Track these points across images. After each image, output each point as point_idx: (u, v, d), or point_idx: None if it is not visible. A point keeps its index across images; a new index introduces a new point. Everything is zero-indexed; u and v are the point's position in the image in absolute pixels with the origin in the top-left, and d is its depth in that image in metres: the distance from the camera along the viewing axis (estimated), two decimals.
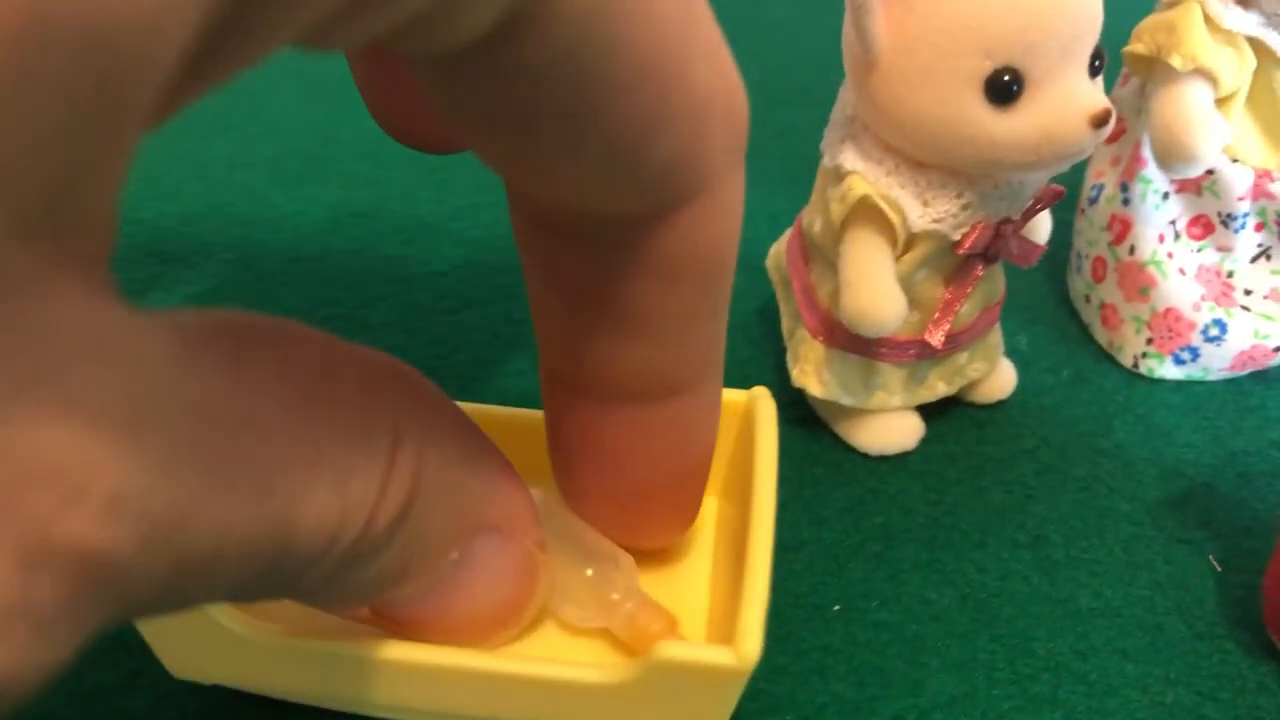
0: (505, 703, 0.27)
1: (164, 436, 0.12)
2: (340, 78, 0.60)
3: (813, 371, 0.37)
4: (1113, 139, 0.43)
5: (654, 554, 0.32)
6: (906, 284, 0.34)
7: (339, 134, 0.56)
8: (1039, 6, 0.30)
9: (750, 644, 0.25)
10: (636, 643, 0.28)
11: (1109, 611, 0.33)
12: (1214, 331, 0.41)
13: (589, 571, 0.28)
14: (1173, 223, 0.41)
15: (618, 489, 0.26)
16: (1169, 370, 0.42)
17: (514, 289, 0.45)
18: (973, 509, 0.36)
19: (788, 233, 0.40)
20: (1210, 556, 0.35)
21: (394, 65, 0.24)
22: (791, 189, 0.51)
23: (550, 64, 0.16)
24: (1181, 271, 0.41)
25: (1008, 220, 0.34)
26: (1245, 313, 0.41)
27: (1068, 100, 0.31)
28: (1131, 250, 0.42)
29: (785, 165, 0.54)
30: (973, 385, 0.40)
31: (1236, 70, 0.38)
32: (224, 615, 0.26)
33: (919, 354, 0.36)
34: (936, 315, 0.35)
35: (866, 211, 0.33)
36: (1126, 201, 0.42)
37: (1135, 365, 0.42)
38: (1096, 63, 0.32)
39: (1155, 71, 0.39)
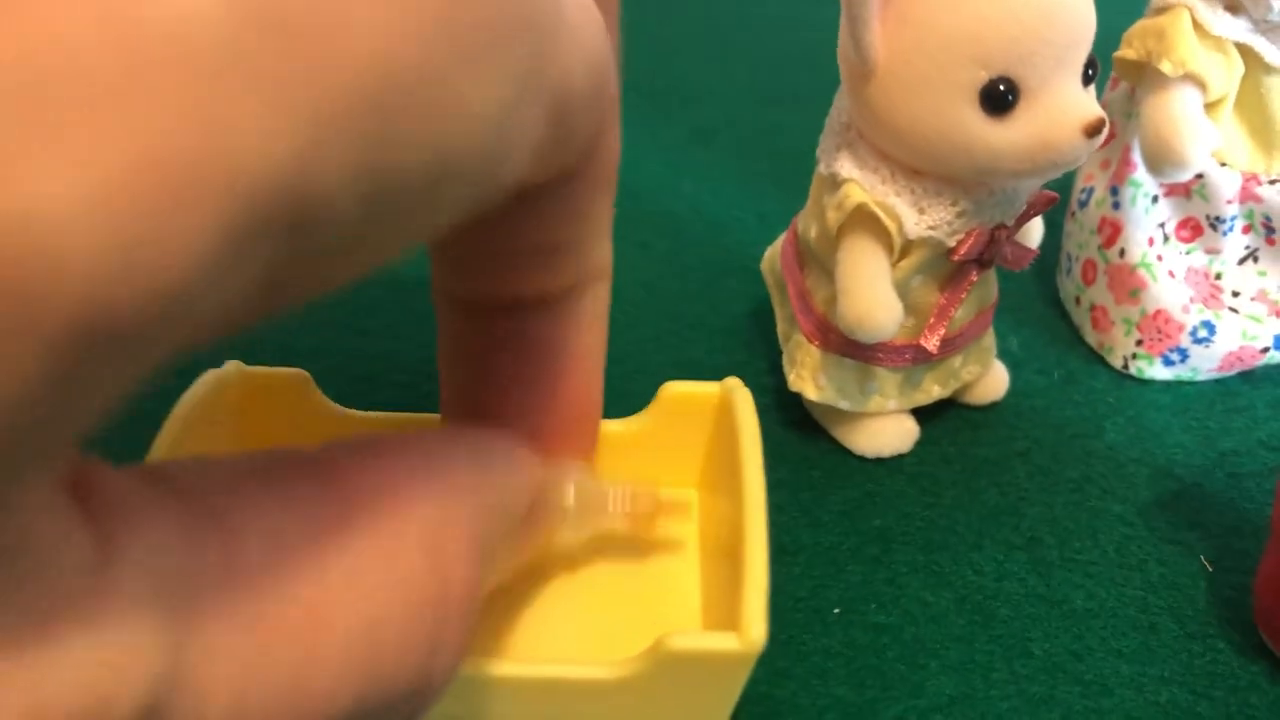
0: (520, 705, 0.27)
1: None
2: None
3: (809, 376, 0.37)
4: (1103, 143, 0.43)
5: (639, 551, 0.33)
6: (902, 290, 0.35)
7: None
8: (1033, 17, 0.30)
9: (755, 629, 0.25)
10: (642, 525, 0.30)
11: (1103, 612, 0.33)
12: (1202, 333, 0.41)
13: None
14: (1162, 225, 0.42)
15: (522, 402, 0.25)
16: (1158, 371, 0.42)
17: None
18: (968, 511, 0.37)
19: (782, 237, 0.40)
20: (1201, 557, 0.35)
21: None
22: (782, 189, 0.51)
23: None
24: (1171, 274, 0.42)
25: (1002, 226, 0.35)
26: (1233, 314, 0.42)
27: (1062, 109, 0.31)
28: (1121, 253, 0.42)
29: (775, 165, 0.54)
30: (967, 387, 0.40)
31: (1225, 76, 0.39)
32: None
33: (914, 358, 0.37)
34: (932, 320, 0.36)
35: (863, 219, 0.34)
36: (1116, 205, 0.42)
37: (1125, 366, 0.43)
38: (1090, 71, 0.33)
39: (1145, 77, 0.40)
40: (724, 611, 0.28)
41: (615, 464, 0.34)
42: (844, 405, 0.37)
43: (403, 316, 0.44)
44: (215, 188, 0.09)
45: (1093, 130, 0.31)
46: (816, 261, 0.37)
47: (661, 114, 0.59)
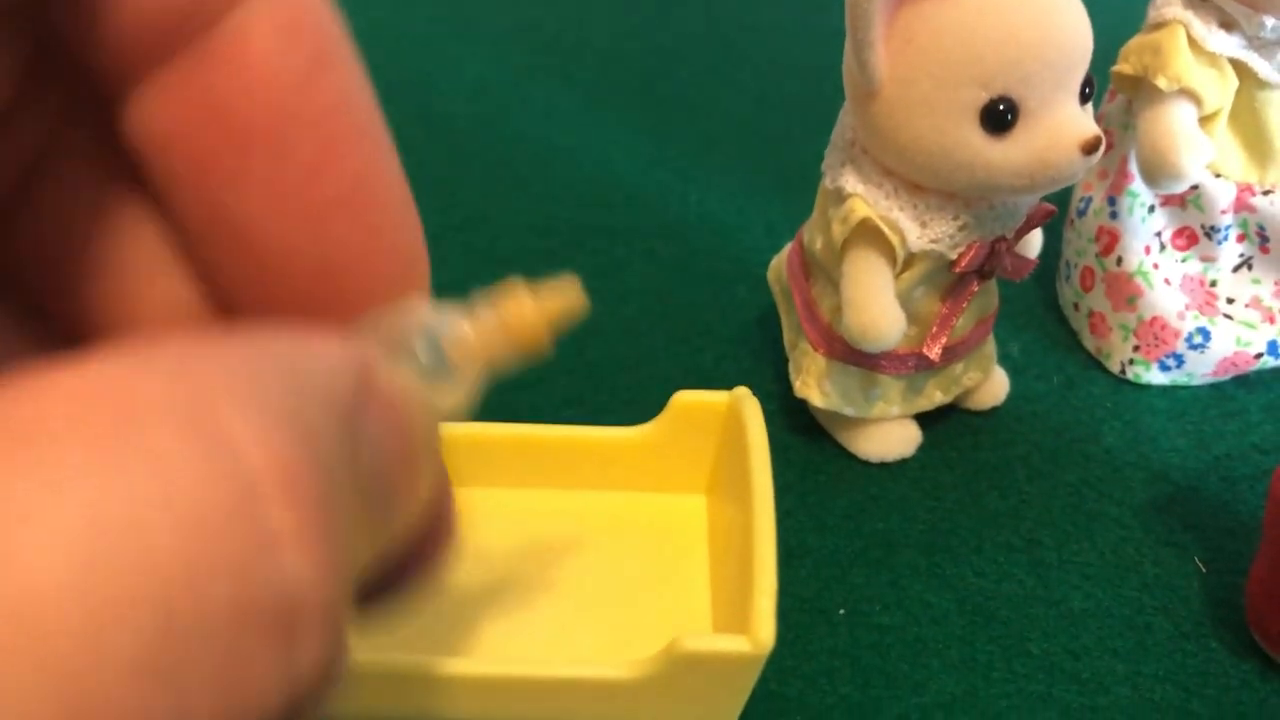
0: (535, 705, 0.29)
1: None
2: None
3: (815, 383, 0.38)
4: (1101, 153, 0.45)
5: (652, 553, 0.34)
6: (905, 300, 0.36)
7: None
8: (1032, 39, 0.32)
9: (764, 630, 0.27)
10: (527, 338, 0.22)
11: (1100, 612, 0.35)
12: (1198, 339, 0.42)
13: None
14: (1158, 234, 0.43)
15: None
16: (1155, 376, 0.43)
17: None
18: (969, 514, 0.38)
19: (788, 246, 0.41)
20: (1195, 558, 0.36)
21: None
22: (786, 197, 0.52)
23: None
24: (1167, 281, 0.43)
25: (1002, 238, 0.36)
26: (1228, 321, 0.43)
27: (1060, 128, 0.32)
28: (1119, 261, 0.43)
29: (779, 174, 0.55)
30: (968, 393, 0.41)
31: (1219, 90, 0.40)
32: None
33: (917, 366, 0.38)
34: (934, 329, 0.37)
35: (867, 233, 0.35)
36: (1114, 214, 0.43)
37: (1123, 371, 0.44)
38: (1087, 90, 0.34)
39: (1141, 91, 0.41)
40: (734, 613, 0.29)
41: (627, 471, 0.35)
42: (849, 411, 0.39)
43: None
44: None
45: (1090, 148, 0.33)
46: (822, 272, 0.38)
47: (668, 123, 0.60)
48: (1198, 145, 0.39)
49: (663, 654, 0.27)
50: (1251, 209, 0.42)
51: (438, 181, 0.54)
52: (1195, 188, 0.42)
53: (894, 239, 0.35)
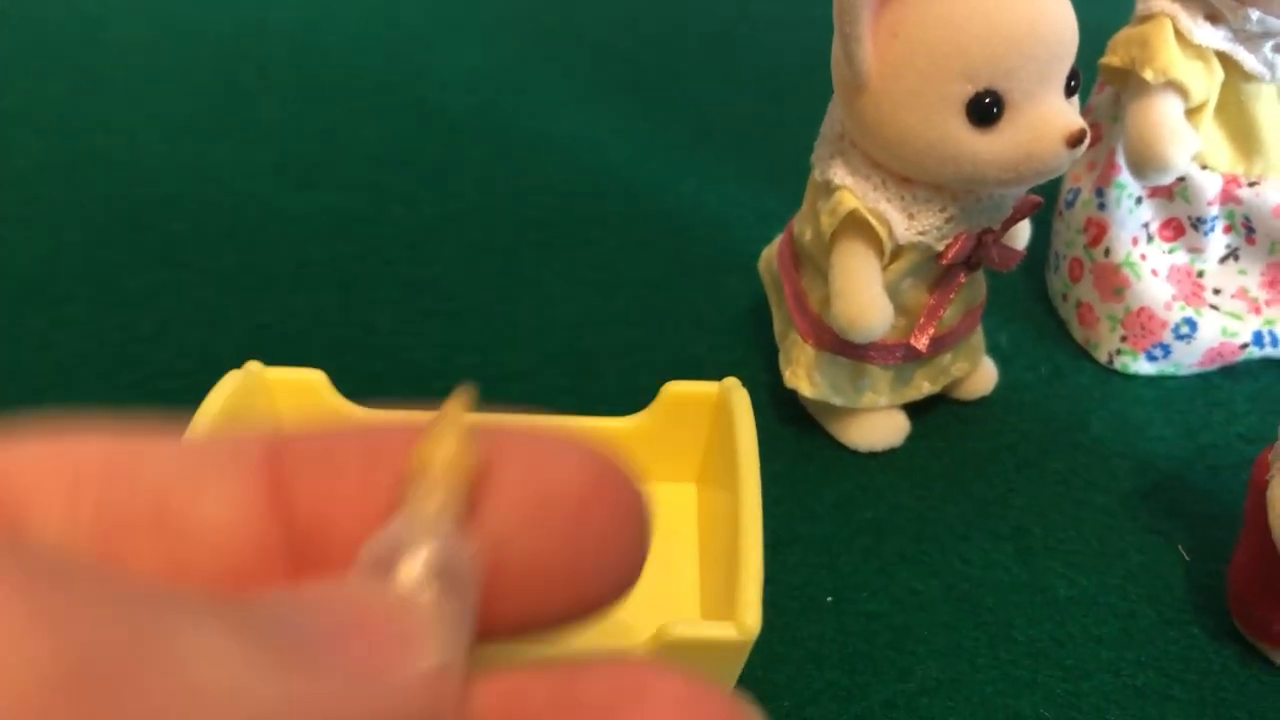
0: None
1: None
2: (337, 81, 0.61)
3: (804, 374, 0.39)
4: (1089, 145, 0.45)
5: None
6: (893, 292, 0.36)
7: (337, 137, 0.57)
8: (1018, 33, 0.32)
9: (751, 617, 0.27)
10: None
11: (1084, 600, 0.35)
12: (1185, 329, 0.43)
13: None
14: (1146, 226, 0.43)
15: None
16: (1142, 366, 0.44)
17: (514, 292, 0.47)
18: (957, 503, 0.38)
19: (779, 238, 0.42)
20: (1179, 546, 0.37)
21: None
22: (781, 187, 0.52)
23: None
24: (1154, 272, 0.43)
25: (988, 230, 0.36)
26: (1214, 311, 0.43)
27: (1045, 121, 0.33)
28: (1107, 252, 0.44)
29: (775, 163, 0.55)
30: (956, 383, 0.42)
31: (1206, 83, 0.40)
32: None
33: (905, 356, 0.38)
34: (921, 320, 0.37)
35: (855, 224, 0.35)
36: (1102, 206, 0.44)
37: (1110, 362, 0.44)
38: (1073, 83, 0.34)
39: (1129, 84, 0.41)
40: (722, 601, 0.30)
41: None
42: (838, 401, 0.39)
43: (413, 315, 0.46)
44: None
45: (1075, 141, 0.33)
46: (811, 263, 0.38)
47: (663, 112, 0.60)
48: (1184, 137, 0.40)
49: (651, 641, 0.28)
50: (1238, 200, 0.42)
51: (433, 172, 0.55)
52: (1182, 179, 0.42)
53: (881, 231, 0.35)
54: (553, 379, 0.43)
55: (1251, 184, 0.42)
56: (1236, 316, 0.43)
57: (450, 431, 0.15)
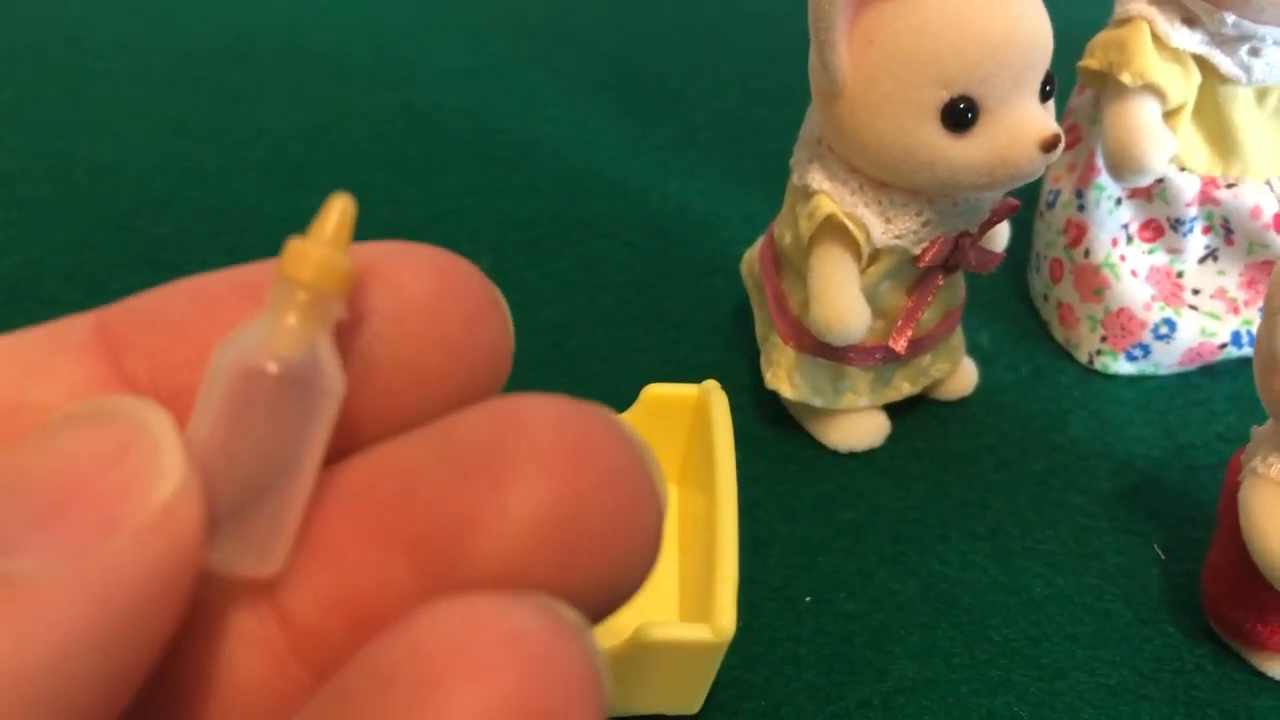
0: None
1: None
2: (325, 82, 0.61)
3: (785, 375, 0.39)
4: (1069, 146, 0.45)
5: None
6: (871, 295, 0.37)
7: (325, 139, 0.57)
8: (992, 40, 0.32)
9: (725, 619, 0.28)
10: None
11: (1061, 599, 0.35)
12: (1164, 330, 0.43)
13: None
14: (1125, 227, 0.44)
15: None
16: (1122, 366, 0.44)
17: (501, 292, 0.47)
18: (936, 503, 0.39)
19: (760, 240, 0.42)
20: (1155, 546, 0.37)
21: None
22: (767, 187, 0.53)
23: None
24: (1134, 273, 0.44)
25: (966, 234, 0.37)
26: (1193, 312, 0.44)
27: (1019, 127, 0.33)
28: (1086, 253, 0.44)
29: (761, 163, 0.56)
30: (937, 384, 0.42)
31: (1183, 85, 0.40)
32: None
33: (884, 358, 0.39)
34: (899, 323, 0.38)
35: (833, 229, 0.35)
36: (1082, 207, 0.44)
37: (1090, 362, 0.44)
38: (1048, 88, 0.34)
39: (1107, 86, 0.41)
40: (699, 601, 0.30)
41: None
42: (818, 403, 0.39)
43: None
44: None
45: (1049, 146, 0.33)
46: (791, 266, 0.39)
47: (649, 112, 0.60)
48: (1162, 140, 0.40)
49: (627, 642, 0.28)
50: (1216, 202, 0.43)
51: (420, 172, 0.55)
52: (1161, 181, 0.42)
53: (859, 235, 0.35)
54: (538, 380, 0.43)
55: (1229, 185, 0.42)
56: (1215, 317, 0.44)
57: (327, 234, 0.14)
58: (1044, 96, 0.34)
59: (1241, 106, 0.41)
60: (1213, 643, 0.34)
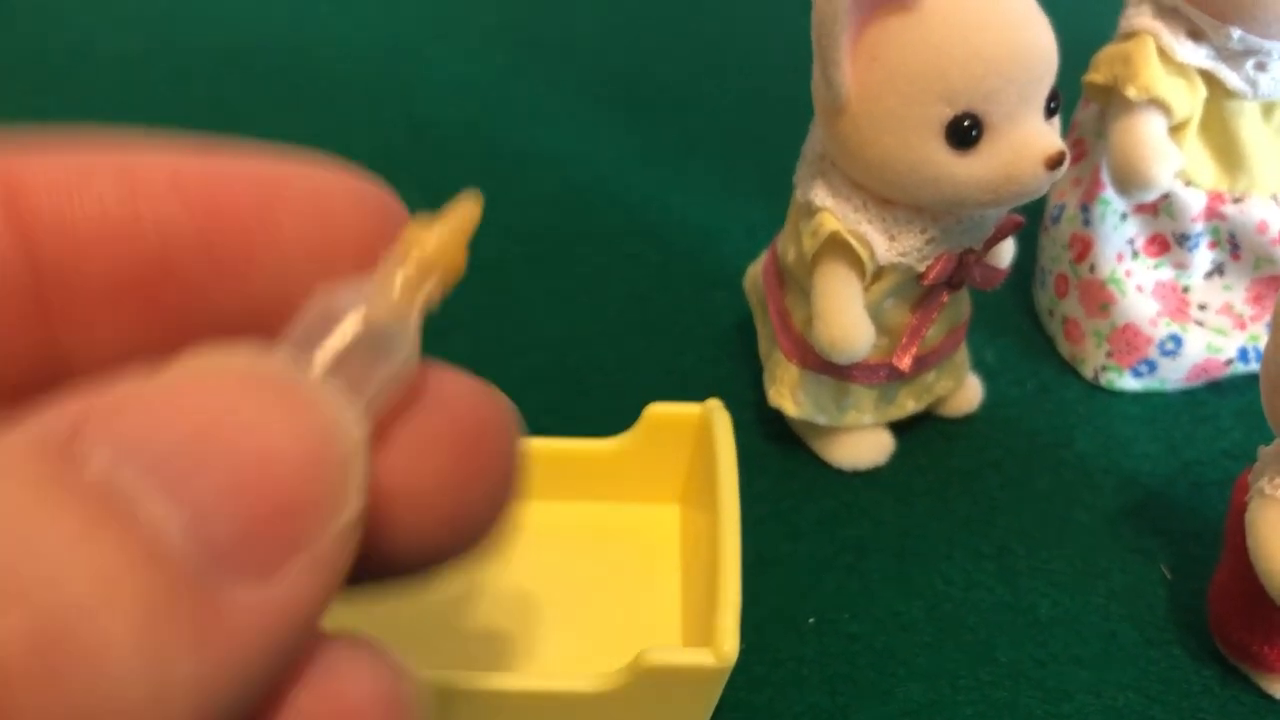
0: (504, 716, 0.29)
1: None
2: (327, 93, 0.61)
3: (788, 393, 0.39)
4: (1074, 161, 0.45)
5: (623, 564, 0.35)
6: (875, 312, 0.36)
7: (326, 150, 0.57)
8: (996, 56, 0.32)
9: (728, 644, 0.27)
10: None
11: (1067, 620, 0.35)
12: (1170, 345, 0.43)
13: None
14: (1131, 242, 0.43)
15: None
16: (1128, 382, 0.44)
17: (502, 309, 0.47)
18: (940, 521, 0.38)
19: (764, 256, 0.42)
20: (1162, 565, 0.37)
21: None
22: (769, 200, 0.52)
23: None
24: (1139, 288, 0.43)
25: (970, 250, 0.36)
26: (1199, 328, 0.43)
27: (1024, 143, 0.33)
28: (1092, 268, 0.44)
29: (763, 176, 0.55)
30: (941, 400, 0.42)
31: (1188, 100, 0.40)
32: None
33: (889, 376, 0.38)
34: (904, 340, 0.37)
35: (836, 246, 0.35)
36: (1087, 222, 0.44)
37: (1096, 378, 0.44)
38: (1053, 104, 0.34)
39: (1112, 101, 0.41)
40: (702, 624, 0.30)
41: (602, 482, 0.36)
42: (821, 420, 0.39)
43: None
44: None
45: (1054, 163, 0.33)
46: (795, 282, 0.39)
47: (652, 124, 0.60)
48: (1168, 154, 0.40)
49: (628, 668, 0.28)
50: (1222, 216, 0.42)
51: (420, 184, 0.54)
52: (1166, 196, 0.42)
53: (863, 252, 0.35)
54: (538, 397, 0.43)
55: (1236, 200, 0.42)
56: (1222, 332, 0.43)
57: (450, 225, 0.15)
58: (1049, 113, 0.34)
59: (1248, 121, 0.41)
60: (1220, 664, 0.34)
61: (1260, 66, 0.40)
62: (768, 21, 0.71)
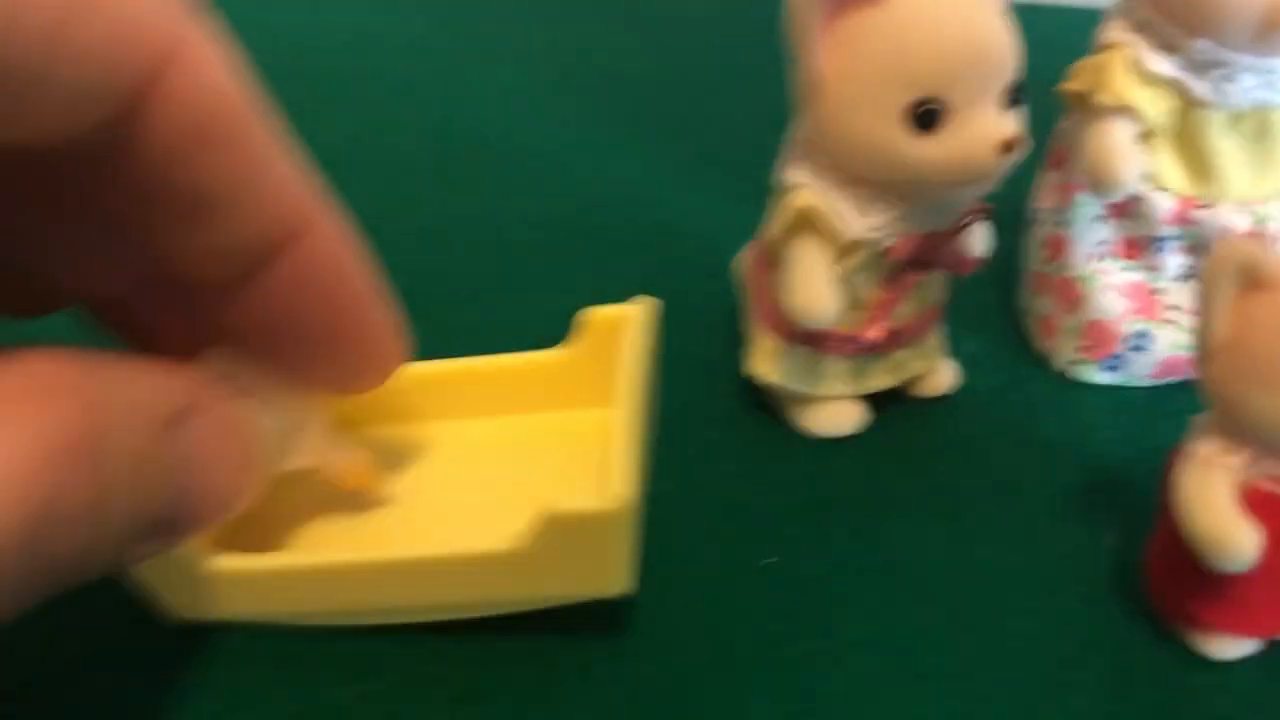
0: (420, 588, 0.32)
1: None
2: (358, 98, 0.66)
3: (765, 361, 0.42)
4: (1055, 166, 0.48)
5: (550, 469, 0.37)
6: (847, 286, 0.39)
7: (356, 148, 0.62)
8: (955, 45, 0.35)
9: (621, 485, 0.29)
10: (341, 482, 0.34)
11: (1009, 573, 0.37)
12: (1139, 341, 0.45)
13: (275, 424, 0.30)
14: (1103, 243, 0.46)
15: (304, 351, 0.29)
16: (1098, 376, 0.46)
17: (516, 285, 0.51)
18: (903, 486, 0.41)
19: (750, 242, 0.45)
20: (1106, 533, 0.39)
21: None
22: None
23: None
24: (1111, 287, 0.46)
25: (937, 232, 0.39)
26: (1169, 325, 0.46)
27: (980, 129, 0.36)
28: (1066, 266, 0.46)
29: (769, 186, 0.59)
30: (916, 380, 0.44)
31: (1159, 108, 0.43)
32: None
33: (859, 348, 0.41)
34: (873, 313, 0.40)
35: (809, 219, 0.38)
36: (1062, 223, 0.46)
37: (1066, 370, 0.47)
38: (1015, 97, 0.37)
39: (1087, 107, 0.44)
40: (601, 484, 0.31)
41: (540, 393, 0.39)
42: (796, 388, 0.42)
43: (412, 304, 0.49)
44: None
45: (1008, 147, 0.36)
46: (776, 259, 0.42)
47: (671, 135, 0.64)
48: (1135, 156, 0.43)
49: (530, 524, 0.30)
50: (1194, 222, 0.45)
51: (440, 182, 0.59)
52: (1139, 200, 0.45)
53: (836, 224, 0.38)
54: None
55: (1206, 206, 0.45)
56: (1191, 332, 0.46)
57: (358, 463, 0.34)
58: (1012, 104, 0.37)
59: (1217, 130, 0.44)
60: (1153, 623, 0.36)
61: (1228, 77, 0.42)
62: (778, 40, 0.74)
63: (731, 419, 0.43)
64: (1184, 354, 0.45)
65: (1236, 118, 0.44)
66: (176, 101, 0.22)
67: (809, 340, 0.41)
